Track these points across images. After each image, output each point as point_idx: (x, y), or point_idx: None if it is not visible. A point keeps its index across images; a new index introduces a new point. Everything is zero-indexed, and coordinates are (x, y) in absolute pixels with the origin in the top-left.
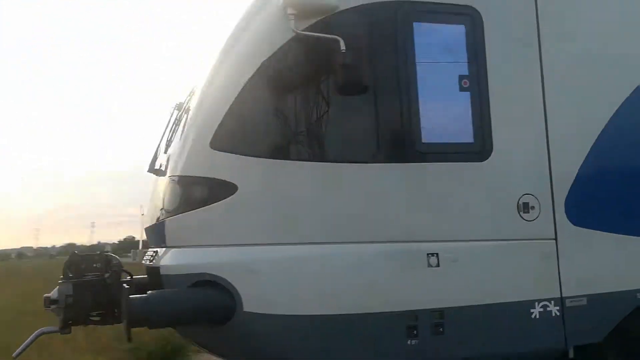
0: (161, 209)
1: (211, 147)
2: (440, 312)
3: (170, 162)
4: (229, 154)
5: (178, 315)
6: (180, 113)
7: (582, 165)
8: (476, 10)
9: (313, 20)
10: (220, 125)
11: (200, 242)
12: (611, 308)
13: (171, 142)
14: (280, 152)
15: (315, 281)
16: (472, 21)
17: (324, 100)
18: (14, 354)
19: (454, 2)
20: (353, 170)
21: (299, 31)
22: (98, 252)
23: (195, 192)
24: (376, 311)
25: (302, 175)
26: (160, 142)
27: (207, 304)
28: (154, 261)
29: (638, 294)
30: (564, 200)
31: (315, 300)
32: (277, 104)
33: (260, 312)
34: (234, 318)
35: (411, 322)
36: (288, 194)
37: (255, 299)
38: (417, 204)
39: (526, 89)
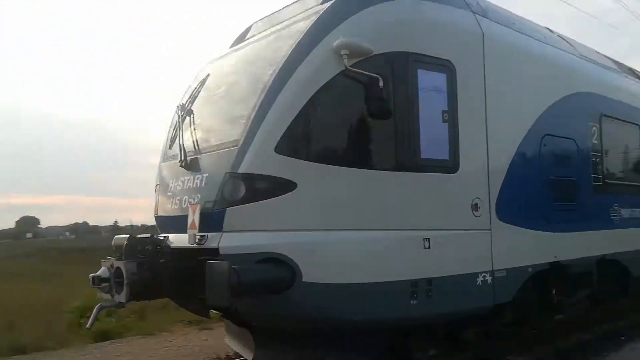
0: (213, 200)
1: (276, 152)
2: (429, 280)
3: (223, 161)
4: (291, 158)
5: (262, 284)
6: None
7: (504, 180)
8: (452, 63)
9: (356, 60)
10: (284, 135)
11: (262, 227)
12: (517, 277)
13: (203, 141)
14: (329, 159)
15: (353, 258)
16: (450, 71)
17: (362, 122)
18: (87, 326)
19: (439, 56)
20: (379, 176)
21: (349, 67)
22: (149, 235)
23: (261, 187)
24: (393, 280)
25: (344, 178)
26: (182, 139)
27: (276, 275)
28: (204, 243)
29: (529, 268)
30: (495, 203)
31: (352, 272)
32: (329, 122)
33: (315, 281)
34: (294, 286)
35: (414, 287)
36: (334, 192)
37: (311, 271)
38: (417, 202)
39: (477, 123)
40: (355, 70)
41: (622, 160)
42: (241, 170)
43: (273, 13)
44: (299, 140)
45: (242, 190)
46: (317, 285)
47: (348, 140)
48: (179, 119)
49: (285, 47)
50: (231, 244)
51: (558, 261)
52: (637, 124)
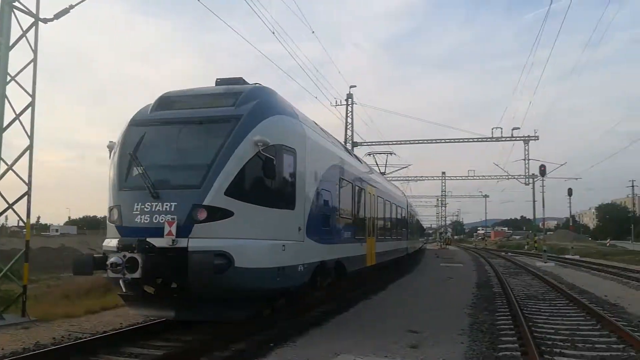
0: (185, 219)
1: (224, 194)
2: (284, 267)
3: (189, 196)
4: (231, 198)
5: (218, 267)
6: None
7: (308, 215)
8: (295, 150)
9: (263, 147)
10: (229, 186)
11: (214, 236)
12: (311, 268)
13: (165, 181)
14: (250, 200)
15: (260, 254)
16: (295, 154)
17: (265, 180)
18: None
19: (291, 146)
20: (271, 210)
21: (261, 151)
22: (144, 239)
23: (215, 213)
24: (274, 266)
25: (258, 211)
26: (147, 178)
27: (222, 262)
28: (176, 245)
29: (316, 263)
30: (305, 227)
31: (259, 261)
32: (251, 180)
33: (241, 266)
34: (230, 269)
35: (280, 270)
36: (253, 218)
37: (240, 260)
38: (281, 225)
39: (302, 183)
40: (263, 153)
41: (347, 203)
42: (205, 203)
43: (192, 91)
44: (236, 189)
45: (204, 215)
46: (242, 268)
47: (259, 190)
48: (134, 162)
49: (224, 135)
50: (197, 245)
51: (323, 260)
52: (351, 183)
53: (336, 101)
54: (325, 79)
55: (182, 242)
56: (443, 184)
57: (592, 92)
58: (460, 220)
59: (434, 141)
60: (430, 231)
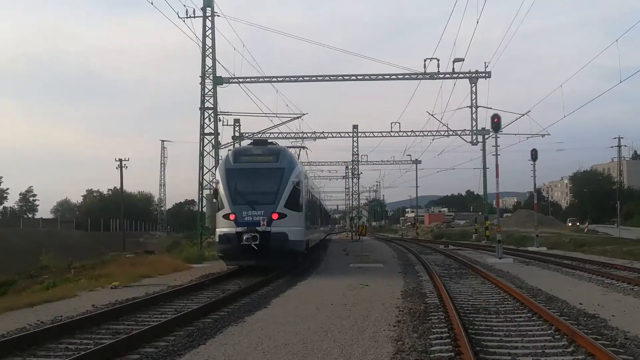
0: (268, 219)
1: (284, 206)
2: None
3: (269, 208)
4: (286, 208)
5: (285, 238)
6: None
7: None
8: (302, 181)
9: (295, 183)
10: (285, 203)
11: (281, 226)
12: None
13: (255, 201)
14: (292, 208)
15: (299, 233)
16: (302, 183)
17: (295, 198)
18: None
19: (302, 180)
20: (298, 213)
21: (295, 185)
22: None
23: (281, 215)
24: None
25: (294, 214)
26: (248, 197)
27: (286, 238)
28: (264, 229)
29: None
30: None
31: (300, 236)
32: (292, 198)
33: (293, 239)
34: (287, 240)
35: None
36: (293, 217)
37: (291, 235)
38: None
39: (304, 199)
40: (295, 186)
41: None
42: (276, 211)
43: (251, 150)
44: (287, 204)
45: (277, 216)
46: (292, 240)
47: (294, 203)
48: (237, 191)
49: (279, 177)
50: (275, 230)
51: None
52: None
53: (187, 12)
54: None
55: (268, 229)
56: (354, 144)
57: (565, 9)
58: (381, 198)
59: (339, 78)
60: (337, 215)
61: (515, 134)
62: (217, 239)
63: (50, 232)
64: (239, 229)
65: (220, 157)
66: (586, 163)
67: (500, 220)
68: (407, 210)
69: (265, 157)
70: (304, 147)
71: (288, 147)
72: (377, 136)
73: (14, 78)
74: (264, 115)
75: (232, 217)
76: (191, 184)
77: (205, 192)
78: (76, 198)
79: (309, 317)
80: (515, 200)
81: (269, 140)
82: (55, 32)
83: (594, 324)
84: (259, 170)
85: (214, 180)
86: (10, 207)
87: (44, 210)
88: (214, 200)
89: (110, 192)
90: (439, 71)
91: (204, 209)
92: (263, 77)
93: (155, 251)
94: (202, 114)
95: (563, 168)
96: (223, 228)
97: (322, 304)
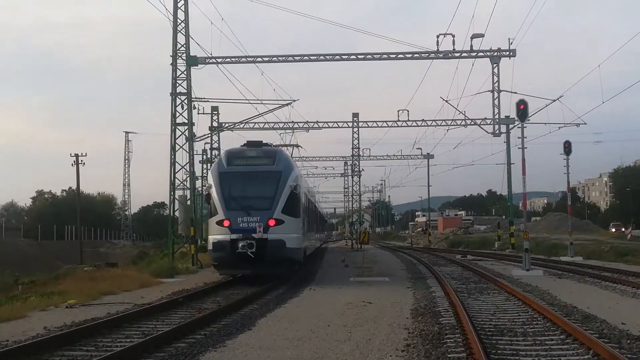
0: (265, 226)
1: (281, 212)
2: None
3: (265, 214)
4: (283, 214)
5: (282, 245)
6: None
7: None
8: (300, 185)
9: (293, 187)
10: (282, 208)
11: (278, 232)
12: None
13: (251, 206)
14: (290, 214)
15: (297, 240)
16: (299, 185)
17: (293, 203)
18: None
19: (299, 184)
20: (296, 220)
21: (293, 189)
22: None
23: (278, 221)
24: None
25: (292, 220)
26: (243, 202)
27: (282, 245)
28: (261, 236)
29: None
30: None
31: (297, 244)
32: (290, 203)
33: (290, 246)
34: (285, 247)
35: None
36: (291, 223)
37: (289, 243)
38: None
39: (301, 199)
40: (293, 190)
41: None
42: (273, 217)
43: (244, 152)
44: (285, 209)
45: (274, 222)
46: (289, 247)
47: (292, 209)
48: (232, 196)
49: (276, 181)
50: (272, 237)
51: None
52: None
53: None
54: None
55: (265, 236)
56: (355, 135)
57: None
58: (386, 200)
59: (336, 57)
60: (335, 220)
61: (545, 124)
62: (210, 247)
63: None
64: (234, 236)
65: (195, 152)
66: (629, 157)
67: (528, 225)
68: (417, 213)
69: (260, 160)
70: (297, 146)
71: (278, 145)
72: (381, 126)
73: None
74: (247, 102)
75: (226, 223)
76: (161, 184)
77: (178, 192)
78: (24, 201)
79: (302, 340)
80: (546, 201)
81: (261, 140)
82: None
83: None
84: (255, 174)
85: (205, 185)
86: None
87: None
88: (207, 205)
89: (64, 194)
90: (454, 49)
91: (177, 213)
92: (246, 57)
93: (119, 263)
94: (174, 100)
95: (602, 164)
96: (217, 235)
97: (316, 325)
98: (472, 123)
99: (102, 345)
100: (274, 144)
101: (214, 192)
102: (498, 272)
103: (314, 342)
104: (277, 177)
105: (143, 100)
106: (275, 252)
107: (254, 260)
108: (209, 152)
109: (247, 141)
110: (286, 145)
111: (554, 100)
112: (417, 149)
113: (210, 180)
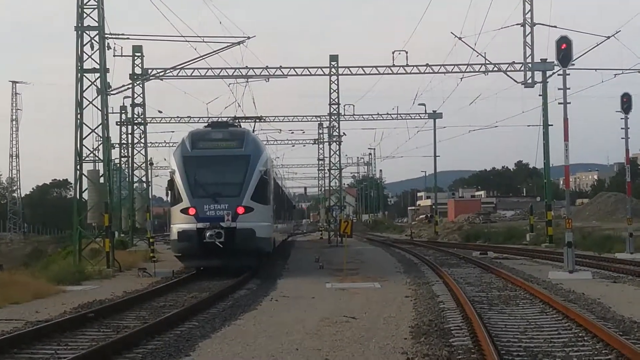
0: (233, 213)
1: (250, 199)
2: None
3: (234, 201)
4: (252, 201)
5: (252, 235)
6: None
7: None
8: (269, 168)
9: (263, 172)
10: (252, 195)
11: (247, 221)
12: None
13: (218, 193)
14: (260, 201)
15: (267, 229)
16: (248, 158)
17: (263, 190)
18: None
19: (268, 168)
20: (266, 207)
21: (263, 174)
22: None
23: (247, 208)
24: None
25: (262, 207)
26: (210, 189)
27: (251, 234)
28: (229, 225)
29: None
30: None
31: (268, 233)
32: (260, 190)
33: (261, 236)
34: (254, 236)
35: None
36: (264, 211)
37: (259, 231)
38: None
39: (271, 185)
40: (263, 175)
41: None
42: (242, 204)
43: (210, 134)
44: (254, 196)
45: (242, 210)
46: (259, 237)
47: (262, 196)
48: (198, 182)
49: (244, 166)
50: (240, 225)
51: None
52: (284, 189)
53: None
54: None
55: (233, 224)
56: (333, 86)
57: None
58: (377, 175)
59: None
60: (306, 204)
61: (595, 69)
62: (174, 237)
63: None
64: (200, 225)
65: (111, 109)
66: None
67: (572, 210)
68: (419, 195)
69: (227, 143)
70: (259, 119)
71: (235, 118)
72: (370, 74)
73: None
74: (182, 39)
75: (191, 211)
76: (62, 155)
77: (87, 167)
78: None
79: None
80: (597, 177)
81: (226, 120)
82: None
83: None
84: (222, 158)
85: (168, 169)
86: None
87: None
88: (169, 191)
89: None
90: None
91: (85, 195)
92: None
93: (4, 265)
94: (80, 36)
95: None
96: (181, 224)
97: (280, 349)
98: (495, 69)
99: None
100: (226, 107)
101: (177, 178)
102: (530, 274)
103: None
104: (246, 161)
105: (37, 38)
106: (245, 242)
107: (222, 250)
108: (129, 109)
109: (211, 122)
110: (245, 119)
111: (608, 38)
112: (419, 105)
113: (173, 164)
